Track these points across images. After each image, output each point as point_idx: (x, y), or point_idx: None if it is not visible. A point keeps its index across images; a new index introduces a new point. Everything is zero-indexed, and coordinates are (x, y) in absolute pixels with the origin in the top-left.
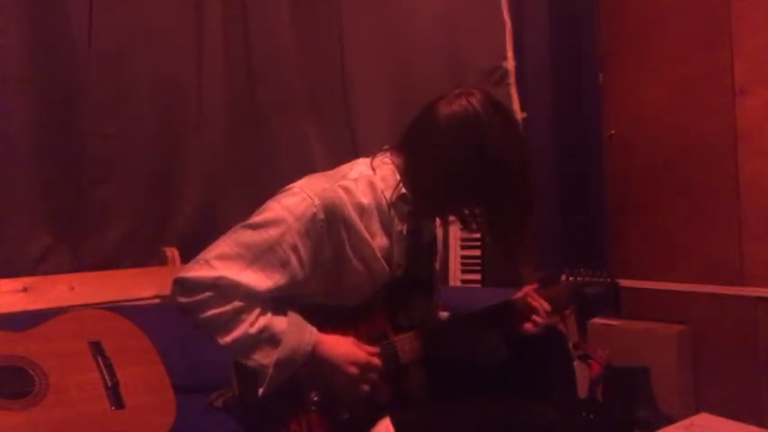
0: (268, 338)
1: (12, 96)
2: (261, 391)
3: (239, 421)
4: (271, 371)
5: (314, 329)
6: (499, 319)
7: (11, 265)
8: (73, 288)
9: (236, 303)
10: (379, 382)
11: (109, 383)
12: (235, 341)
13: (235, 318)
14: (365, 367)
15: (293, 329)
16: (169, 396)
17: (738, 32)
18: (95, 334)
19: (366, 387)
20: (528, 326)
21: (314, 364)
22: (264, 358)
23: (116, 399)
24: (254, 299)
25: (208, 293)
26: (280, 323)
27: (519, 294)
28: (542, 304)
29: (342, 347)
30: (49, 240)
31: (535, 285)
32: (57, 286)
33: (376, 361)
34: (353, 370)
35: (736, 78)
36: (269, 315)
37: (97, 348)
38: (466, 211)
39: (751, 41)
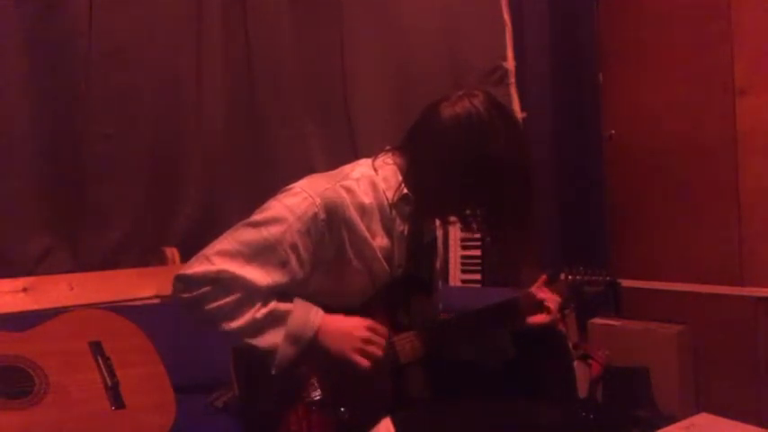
0: (276, 318)
1: (12, 96)
2: (273, 369)
3: (239, 421)
4: (281, 345)
5: (320, 309)
6: (503, 317)
7: (11, 265)
8: (73, 288)
9: (237, 295)
10: (382, 358)
11: (109, 383)
12: (241, 327)
13: (238, 308)
14: (373, 329)
15: (300, 306)
16: (169, 396)
17: (738, 32)
18: (95, 334)
19: (370, 359)
20: (540, 317)
21: (322, 338)
22: (274, 336)
23: (116, 399)
24: (254, 293)
25: (208, 287)
26: (285, 305)
27: (531, 289)
28: (552, 296)
29: (349, 320)
30: (49, 240)
31: (544, 278)
32: (57, 286)
33: (383, 329)
34: (364, 333)
35: (736, 78)
36: (274, 302)
37: (97, 348)
38: (467, 212)
39: (751, 41)
